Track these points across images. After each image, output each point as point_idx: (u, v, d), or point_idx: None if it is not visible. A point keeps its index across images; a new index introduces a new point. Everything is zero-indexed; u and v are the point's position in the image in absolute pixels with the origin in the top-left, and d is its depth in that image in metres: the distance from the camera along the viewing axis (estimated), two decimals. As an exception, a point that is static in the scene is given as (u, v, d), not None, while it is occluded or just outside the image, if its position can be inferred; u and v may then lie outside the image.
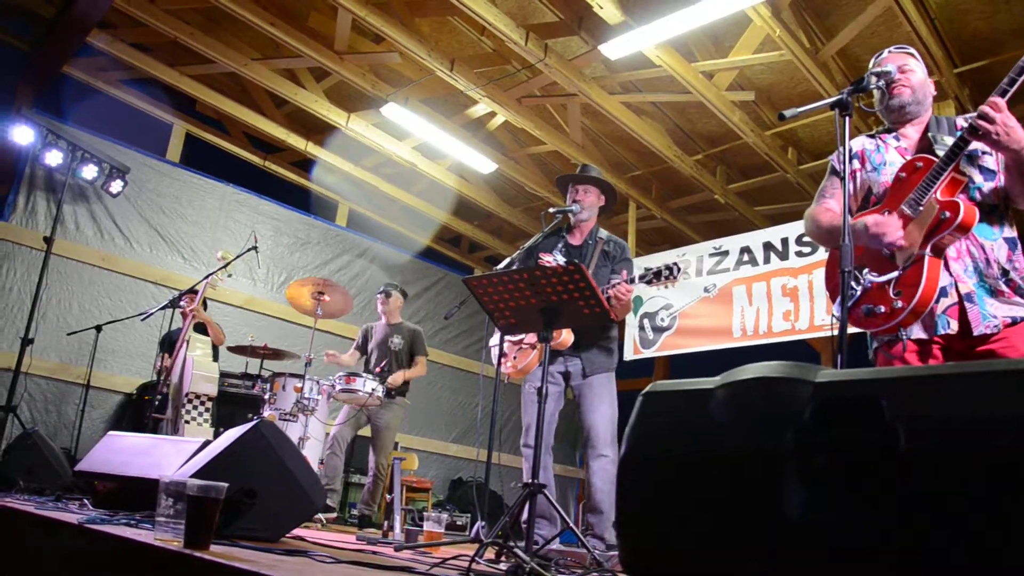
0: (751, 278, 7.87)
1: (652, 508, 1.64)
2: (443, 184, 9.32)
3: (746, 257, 8.01)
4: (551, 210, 4.25)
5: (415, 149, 8.88)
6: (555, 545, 4.05)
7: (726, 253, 8.22)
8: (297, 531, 3.37)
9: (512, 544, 2.83)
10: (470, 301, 3.81)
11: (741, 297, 7.88)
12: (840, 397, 1.44)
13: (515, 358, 4.39)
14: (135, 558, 2.03)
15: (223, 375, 6.96)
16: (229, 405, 6.97)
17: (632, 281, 4.04)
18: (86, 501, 3.54)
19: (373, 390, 6.12)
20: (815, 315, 7.20)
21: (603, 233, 4.49)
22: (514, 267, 3.92)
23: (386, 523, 5.08)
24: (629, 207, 9.26)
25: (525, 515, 3.26)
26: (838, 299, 2.47)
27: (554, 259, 4.22)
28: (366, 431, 6.58)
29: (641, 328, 8.60)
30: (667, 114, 7.98)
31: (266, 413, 6.10)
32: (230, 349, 6.65)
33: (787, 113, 2.49)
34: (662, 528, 1.62)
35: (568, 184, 4.54)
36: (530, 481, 3.32)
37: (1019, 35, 6.14)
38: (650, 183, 9.31)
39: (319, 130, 8.83)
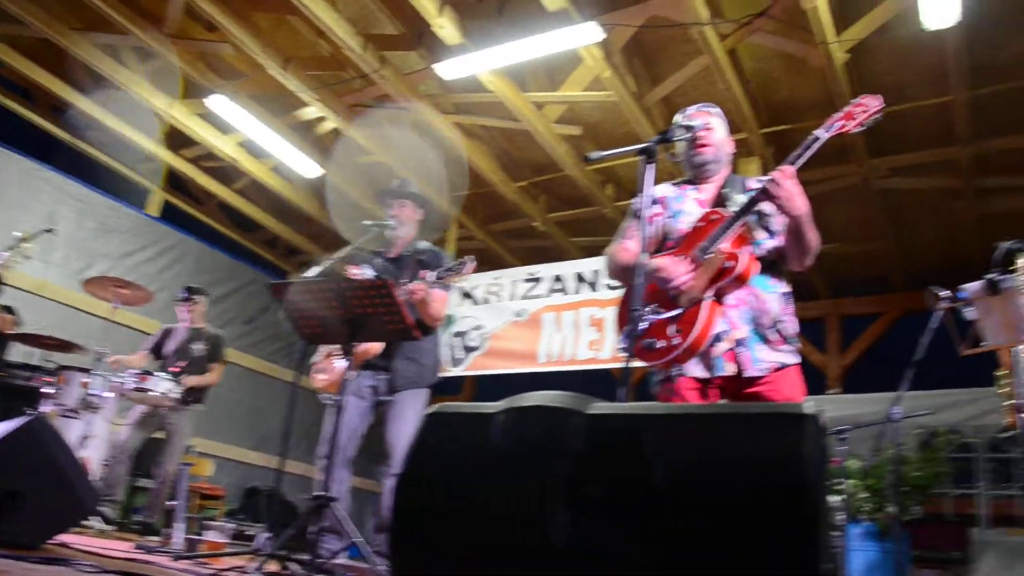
0: (562, 306, 8.14)
1: (426, 527, 1.66)
2: (265, 184, 9.08)
3: (558, 285, 8.29)
4: (367, 223, 4.23)
5: (239, 145, 8.60)
6: (341, 559, 4.01)
7: (539, 280, 8.47)
8: (67, 538, 3.17)
9: (292, 557, 2.79)
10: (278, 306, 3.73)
11: (550, 323, 8.13)
12: (608, 430, 1.52)
13: (324, 370, 4.33)
14: None
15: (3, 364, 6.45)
16: (6, 397, 6.44)
17: (441, 285, 4.08)
18: None
19: (167, 390, 5.83)
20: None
21: (422, 244, 4.49)
22: (322, 276, 3.88)
23: (167, 531, 4.86)
24: (451, 226, 9.34)
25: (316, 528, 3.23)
26: (624, 332, 2.60)
27: (363, 272, 4.20)
28: (159, 433, 6.26)
29: (451, 347, 8.69)
30: (496, 139, 8.13)
31: (46, 408, 5.68)
32: (7, 337, 6.16)
33: (593, 155, 2.63)
34: (434, 547, 1.65)
35: (388, 198, 4.55)
36: (320, 494, 3.28)
37: (817, 107, 6.68)
38: (474, 205, 9.42)
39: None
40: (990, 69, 6.11)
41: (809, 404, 1.42)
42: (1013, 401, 4.12)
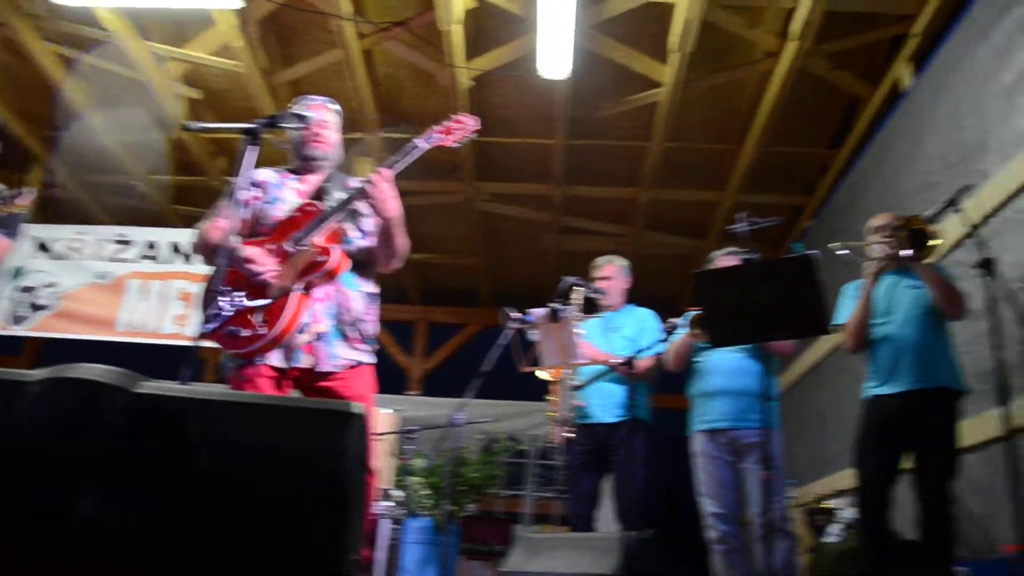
0: (150, 274, 7.69)
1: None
2: None
3: (151, 252, 7.81)
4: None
5: None
6: None
7: (130, 243, 7.90)
8: None
9: None
10: None
11: (135, 291, 7.62)
12: (153, 410, 1.48)
13: None
14: None
15: None
16: None
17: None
18: None
19: None
20: (205, 324, 7.26)
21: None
22: None
23: None
24: (34, 170, 8.32)
25: None
26: (206, 314, 2.52)
27: None
28: None
29: (14, 302, 7.73)
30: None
31: None
32: None
33: (192, 125, 2.56)
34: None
35: None
36: None
37: (438, 122, 7.02)
38: (68, 151, 8.49)
39: None
40: (586, 125, 6.91)
41: (357, 404, 1.49)
42: (557, 418, 4.68)
